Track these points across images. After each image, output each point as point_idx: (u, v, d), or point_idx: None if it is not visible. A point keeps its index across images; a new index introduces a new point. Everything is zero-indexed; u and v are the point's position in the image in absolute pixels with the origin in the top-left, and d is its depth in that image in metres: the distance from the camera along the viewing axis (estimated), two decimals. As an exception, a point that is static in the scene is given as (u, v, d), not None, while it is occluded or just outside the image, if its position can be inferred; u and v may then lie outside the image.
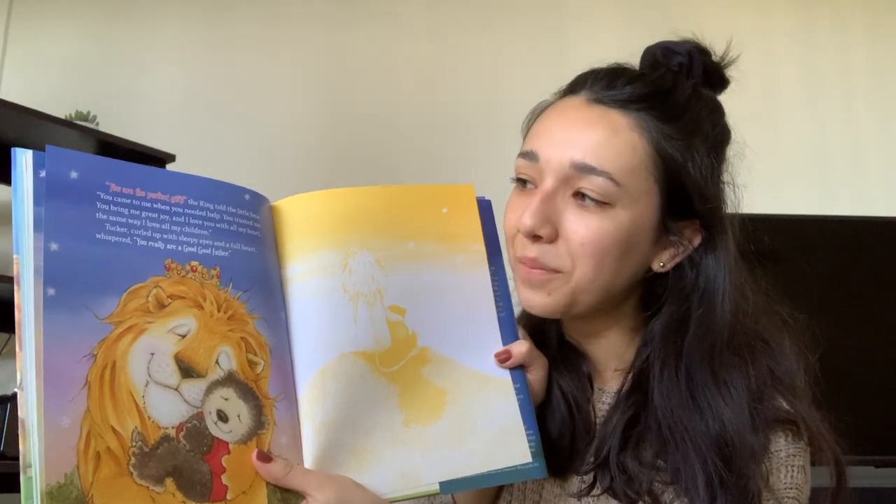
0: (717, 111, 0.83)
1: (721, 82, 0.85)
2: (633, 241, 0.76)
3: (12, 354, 1.81)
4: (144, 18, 2.18)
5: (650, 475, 0.75)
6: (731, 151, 0.83)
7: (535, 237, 0.75)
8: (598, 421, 0.81)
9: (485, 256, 0.75)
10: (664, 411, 0.76)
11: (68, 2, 2.15)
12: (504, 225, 0.81)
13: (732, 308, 0.78)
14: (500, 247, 0.77)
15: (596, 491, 0.77)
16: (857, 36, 2.36)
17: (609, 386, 0.83)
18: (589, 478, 0.78)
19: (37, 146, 1.77)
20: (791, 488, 0.74)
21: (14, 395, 1.44)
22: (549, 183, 0.75)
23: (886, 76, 2.34)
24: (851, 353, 1.81)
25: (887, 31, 2.37)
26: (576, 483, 0.79)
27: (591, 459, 0.79)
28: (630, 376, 0.80)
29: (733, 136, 0.84)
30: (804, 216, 1.89)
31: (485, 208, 0.77)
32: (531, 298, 0.78)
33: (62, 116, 1.70)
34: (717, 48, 0.86)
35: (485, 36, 2.30)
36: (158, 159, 1.76)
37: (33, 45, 2.10)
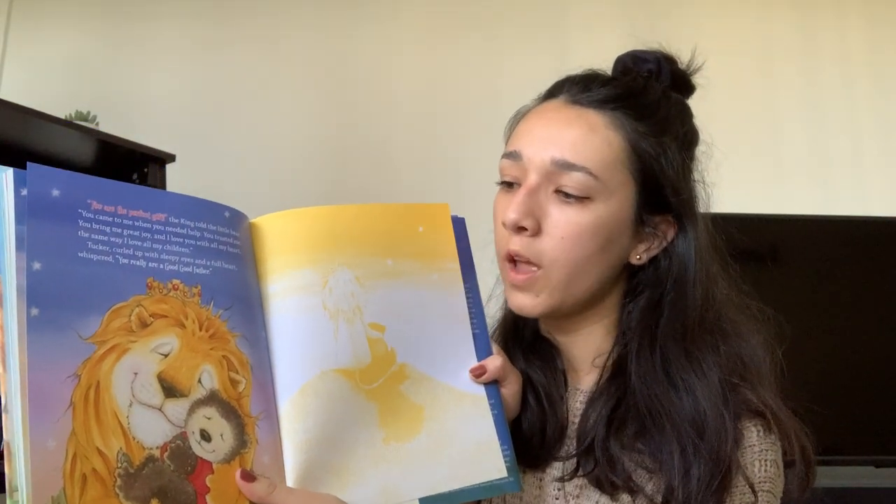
0: (686, 113, 0.88)
1: (688, 88, 0.89)
2: (612, 234, 0.80)
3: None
4: (145, 18, 2.18)
5: (633, 458, 0.78)
6: (700, 151, 0.87)
7: (519, 229, 0.79)
8: (572, 417, 0.84)
9: (459, 274, 0.77)
10: (641, 391, 0.79)
11: (68, 2, 2.15)
12: (494, 230, 0.84)
13: (703, 292, 0.82)
14: (473, 264, 0.78)
15: (579, 474, 0.79)
16: (857, 36, 2.35)
17: (584, 384, 0.86)
18: (571, 463, 0.80)
19: (37, 146, 1.77)
20: (765, 481, 0.78)
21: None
22: (532, 179, 0.79)
23: (887, 76, 2.34)
24: (851, 353, 1.81)
25: (888, 31, 2.36)
26: (555, 470, 0.81)
27: (572, 448, 0.81)
28: (610, 363, 0.83)
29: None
30: (804, 216, 1.89)
31: (459, 226, 0.78)
32: (521, 301, 0.81)
33: (62, 116, 1.70)
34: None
35: (485, 40, 2.30)
36: (158, 159, 1.76)
37: (33, 45, 2.10)
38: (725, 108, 2.05)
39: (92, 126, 1.75)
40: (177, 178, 1.79)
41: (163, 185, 1.76)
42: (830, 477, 1.71)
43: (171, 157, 1.78)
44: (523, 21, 2.32)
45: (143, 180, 1.74)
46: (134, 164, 1.76)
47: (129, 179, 1.76)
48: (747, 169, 2.10)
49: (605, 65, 0.88)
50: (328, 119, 2.21)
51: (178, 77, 2.16)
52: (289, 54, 2.23)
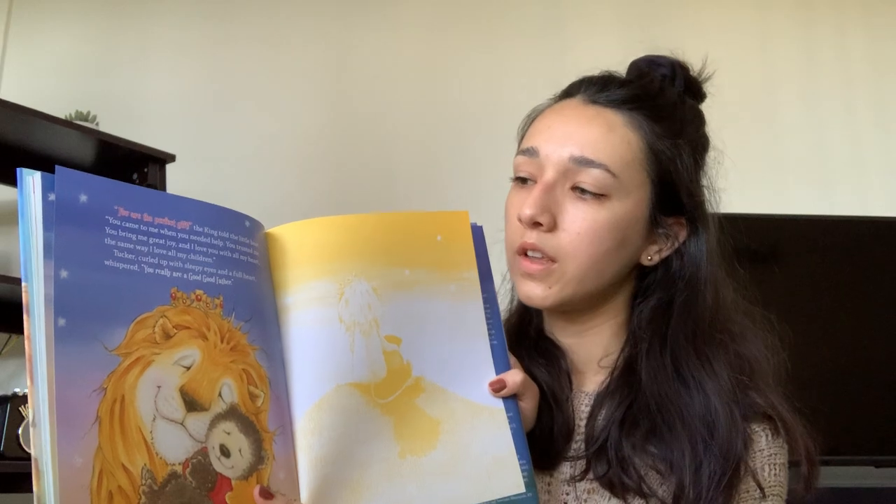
0: (700, 118, 0.88)
1: (699, 95, 0.90)
2: (627, 233, 0.80)
3: (12, 354, 1.81)
4: (144, 18, 2.17)
5: (644, 460, 0.77)
6: (710, 157, 0.88)
7: (535, 224, 0.78)
8: (578, 420, 0.83)
9: (478, 284, 0.75)
10: (651, 390, 0.79)
11: (68, 2, 2.15)
12: (506, 226, 0.84)
13: (713, 294, 0.82)
14: (492, 274, 0.77)
15: (589, 476, 0.79)
16: (857, 36, 2.35)
17: (589, 387, 0.86)
18: (581, 464, 0.80)
19: (37, 146, 1.77)
20: (774, 486, 0.79)
21: (13, 395, 1.44)
22: (549, 175, 0.79)
23: (887, 76, 2.34)
24: (851, 353, 1.81)
25: (887, 32, 2.37)
26: (566, 470, 0.81)
27: (581, 448, 0.81)
28: (619, 364, 0.83)
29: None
30: (804, 216, 1.89)
31: (477, 234, 0.76)
32: (531, 290, 0.81)
33: (62, 116, 1.70)
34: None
35: (485, 40, 2.30)
36: (158, 159, 1.76)
37: (33, 45, 2.10)
38: (725, 109, 2.05)
39: (92, 126, 1.75)
40: (177, 178, 1.79)
41: (163, 186, 1.76)
42: (830, 477, 1.71)
43: (171, 157, 1.78)
44: (523, 22, 2.32)
45: (143, 180, 1.74)
46: (134, 164, 1.76)
47: (128, 179, 1.76)
48: (747, 169, 2.10)
49: (605, 66, 0.88)
50: (328, 119, 2.21)
51: (178, 77, 2.16)
52: (289, 54, 2.23)
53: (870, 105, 2.31)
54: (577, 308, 0.84)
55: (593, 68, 0.88)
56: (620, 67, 0.89)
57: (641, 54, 0.90)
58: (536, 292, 0.80)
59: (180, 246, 0.61)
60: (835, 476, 1.77)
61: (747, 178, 2.05)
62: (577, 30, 2.29)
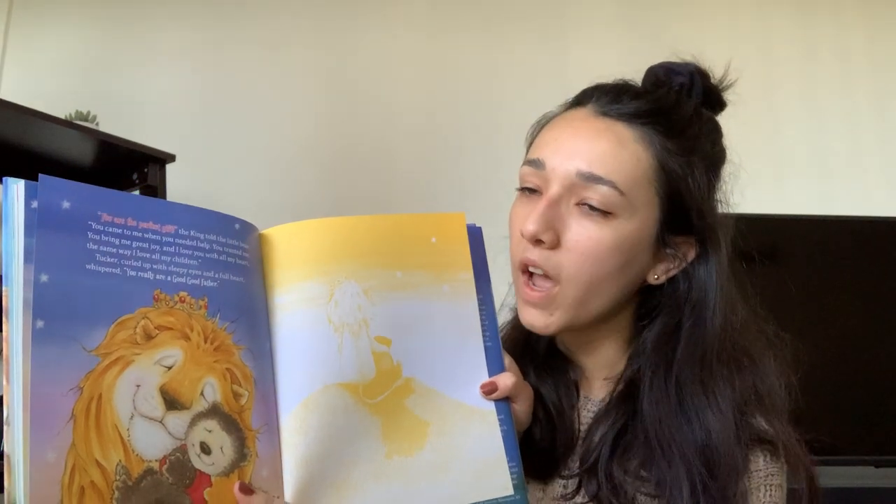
0: (716, 131, 0.85)
1: (719, 104, 0.87)
2: (633, 252, 0.77)
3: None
4: (145, 18, 2.18)
5: (635, 485, 0.76)
6: (726, 172, 0.84)
7: (537, 241, 0.77)
8: (581, 428, 0.83)
9: (473, 285, 0.74)
10: (652, 420, 0.77)
11: (68, 2, 2.15)
12: (510, 237, 0.82)
13: (722, 321, 0.79)
14: (488, 275, 0.76)
15: (580, 497, 0.78)
16: (856, 36, 2.35)
17: (595, 395, 0.85)
18: (573, 482, 0.79)
19: (36, 146, 1.76)
20: None
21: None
22: (554, 189, 0.77)
23: (886, 76, 2.34)
24: (851, 353, 1.81)
25: (887, 32, 2.36)
26: (559, 487, 0.80)
27: (577, 465, 0.80)
28: (620, 385, 0.81)
29: (732, 148, 0.86)
30: (804, 216, 1.89)
31: (475, 236, 0.76)
32: (533, 319, 0.80)
33: (62, 116, 1.70)
34: (717, 55, 0.88)
35: (485, 40, 2.30)
36: (158, 159, 1.76)
37: (33, 45, 2.10)
38: (725, 109, 2.05)
39: (92, 126, 1.75)
40: (177, 178, 1.79)
41: (163, 185, 1.76)
42: (830, 477, 1.71)
43: (171, 157, 1.78)
44: (524, 22, 2.32)
45: (143, 180, 1.74)
46: (134, 164, 1.76)
47: (129, 179, 1.76)
48: (747, 169, 2.10)
49: (605, 64, 0.87)
50: (328, 118, 2.21)
51: (178, 77, 2.16)
52: (289, 54, 2.23)
53: (870, 105, 2.31)
54: (581, 328, 0.82)
55: (594, 67, 0.86)
56: (620, 66, 0.87)
57: (641, 54, 0.88)
58: (538, 322, 0.79)
59: (164, 249, 0.63)
60: (835, 476, 1.77)
61: (747, 177, 2.06)
62: (578, 29, 2.29)
